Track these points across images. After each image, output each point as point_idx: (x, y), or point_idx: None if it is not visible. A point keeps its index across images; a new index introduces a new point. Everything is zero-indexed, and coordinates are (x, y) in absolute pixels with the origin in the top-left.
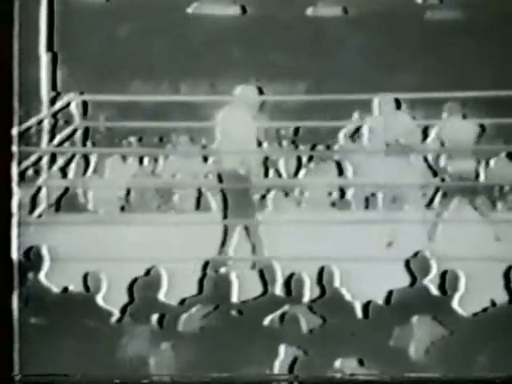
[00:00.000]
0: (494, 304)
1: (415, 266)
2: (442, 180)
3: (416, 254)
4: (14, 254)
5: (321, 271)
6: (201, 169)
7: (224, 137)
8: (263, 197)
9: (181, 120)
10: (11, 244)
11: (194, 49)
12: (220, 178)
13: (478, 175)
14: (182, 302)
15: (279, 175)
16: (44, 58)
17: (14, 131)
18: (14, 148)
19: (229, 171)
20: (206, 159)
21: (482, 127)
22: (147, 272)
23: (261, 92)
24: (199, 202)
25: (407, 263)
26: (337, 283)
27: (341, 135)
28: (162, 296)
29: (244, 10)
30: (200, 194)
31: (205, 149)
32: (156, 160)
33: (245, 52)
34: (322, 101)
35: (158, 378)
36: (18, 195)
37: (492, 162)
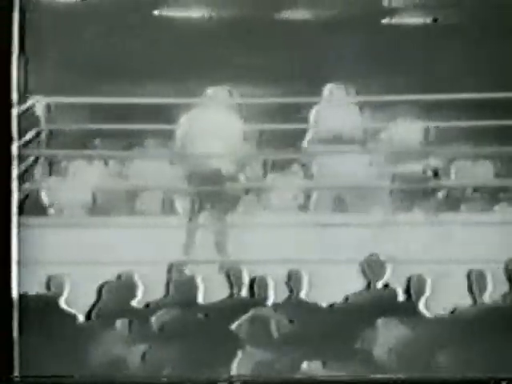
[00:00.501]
0: (457, 306)
1: (376, 269)
2: (394, 183)
3: (378, 257)
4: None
5: (287, 274)
6: (168, 171)
7: (200, 138)
8: (237, 199)
9: (148, 122)
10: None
11: (162, 51)
12: (194, 181)
13: (438, 176)
14: (148, 304)
15: (248, 178)
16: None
17: None
18: None
19: (208, 173)
20: (173, 162)
21: (428, 130)
22: (114, 275)
23: (231, 94)
24: (165, 205)
25: (365, 265)
26: (303, 286)
27: (307, 137)
28: (128, 299)
29: (212, 12)
30: (167, 196)
31: (174, 151)
32: (123, 163)
33: (213, 54)
34: (291, 103)
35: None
36: None
37: (454, 165)
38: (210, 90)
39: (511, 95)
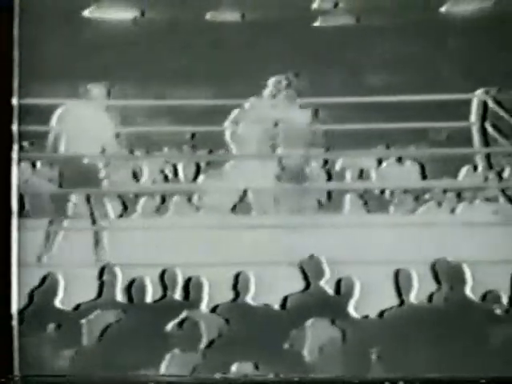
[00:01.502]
0: (386, 307)
1: (310, 271)
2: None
3: (311, 258)
4: None
5: (222, 276)
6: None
7: (74, 137)
8: (164, 201)
9: None
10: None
11: (92, 53)
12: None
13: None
14: (78, 307)
15: (178, 180)
16: None
17: None
18: None
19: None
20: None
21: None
22: (43, 278)
23: (109, 93)
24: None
25: (302, 267)
26: (238, 288)
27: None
28: (57, 302)
29: (142, 13)
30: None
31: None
32: (51, 165)
33: (143, 56)
34: (218, 105)
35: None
36: None
37: (382, 166)
38: (89, 87)
39: (436, 97)
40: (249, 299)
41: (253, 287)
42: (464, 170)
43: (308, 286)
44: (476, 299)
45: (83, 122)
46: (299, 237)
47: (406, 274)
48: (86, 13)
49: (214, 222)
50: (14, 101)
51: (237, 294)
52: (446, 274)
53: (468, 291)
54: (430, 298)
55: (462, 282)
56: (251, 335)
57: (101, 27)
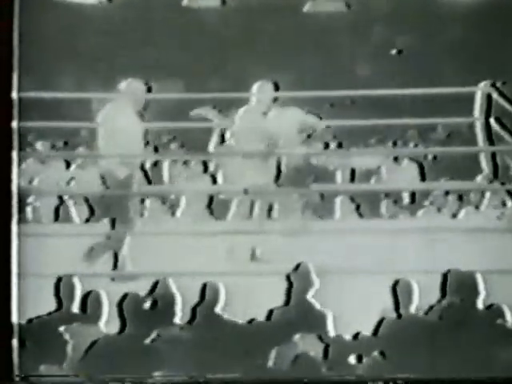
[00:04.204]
0: (381, 318)
1: (297, 280)
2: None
3: (297, 268)
4: None
5: (200, 286)
6: (63, 175)
7: (108, 138)
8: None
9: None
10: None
11: (62, 39)
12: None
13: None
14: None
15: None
16: None
17: None
18: None
19: (109, 176)
20: (68, 165)
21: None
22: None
23: (149, 89)
24: (58, 212)
25: (288, 277)
26: (219, 299)
27: (213, 138)
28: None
29: None
30: (62, 202)
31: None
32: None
33: (112, 44)
34: (202, 99)
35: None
36: None
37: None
38: (123, 84)
39: (435, 91)
40: (230, 311)
41: (235, 298)
42: (467, 171)
43: (296, 297)
44: (482, 311)
45: None
46: (281, 245)
47: (406, 283)
48: None
49: (193, 227)
50: (14, 95)
51: (214, 307)
52: (450, 284)
53: (475, 303)
54: (431, 309)
55: (470, 293)
56: (235, 350)
57: (70, 12)
